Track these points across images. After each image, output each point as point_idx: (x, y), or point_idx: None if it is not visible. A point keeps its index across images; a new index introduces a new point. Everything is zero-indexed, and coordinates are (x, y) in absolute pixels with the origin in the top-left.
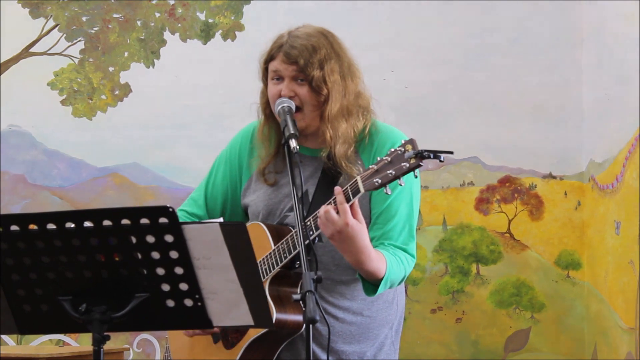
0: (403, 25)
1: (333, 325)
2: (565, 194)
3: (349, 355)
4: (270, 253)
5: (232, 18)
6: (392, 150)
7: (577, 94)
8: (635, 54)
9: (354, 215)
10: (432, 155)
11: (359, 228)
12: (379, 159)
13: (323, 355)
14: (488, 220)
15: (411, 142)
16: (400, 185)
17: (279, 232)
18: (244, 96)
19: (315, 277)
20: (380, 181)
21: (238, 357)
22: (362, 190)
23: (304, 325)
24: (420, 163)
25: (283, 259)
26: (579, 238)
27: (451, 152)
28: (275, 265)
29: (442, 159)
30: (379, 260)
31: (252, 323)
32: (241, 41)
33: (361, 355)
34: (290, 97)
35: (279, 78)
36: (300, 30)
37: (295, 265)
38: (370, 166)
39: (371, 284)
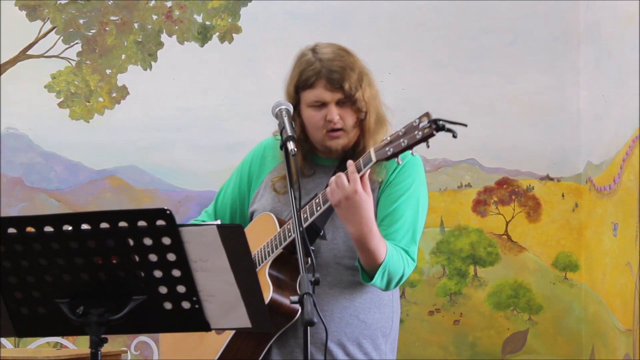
0: (400, 27)
1: (328, 323)
2: (563, 196)
3: (341, 356)
4: (274, 236)
5: (230, 20)
6: (408, 123)
7: (575, 96)
8: (633, 56)
9: (364, 187)
10: (445, 127)
11: (366, 198)
12: (394, 132)
13: (317, 355)
14: (485, 222)
15: (426, 114)
16: (412, 155)
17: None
18: (241, 98)
19: (313, 279)
20: (392, 150)
21: (226, 342)
22: (373, 159)
23: (297, 315)
24: (434, 132)
25: (287, 237)
26: (576, 240)
27: (465, 125)
28: (277, 247)
29: (455, 134)
30: (381, 240)
31: (249, 325)
32: (238, 43)
33: (351, 354)
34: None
35: (322, 104)
36: (326, 51)
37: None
38: (385, 138)
39: (368, 274)
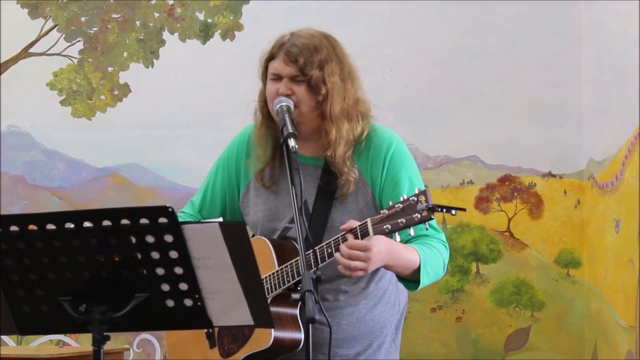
0: (402, 25)
1: (336, 332)
2: (565, 193)
3: (352, 356)
4: (273, 273)
5: (231, 18)
6: (406, 198)
7: (577, 93)
8: (634, 53)
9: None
10: (444, 210)
11: (379, 245)
12: (390, 203)
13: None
14: (488, 219)
15: (424, 193)
16: (410, 235)
17: (283, 248)
18: (243, 96)
19: (315, 276)
20: (390, 227)
21: None
22: (371, 234)
23: (301, 345)
24: (432, 216)
25: (285, 282)
26: (578, 236)
27: (464, 209)
28: (277, 287)
29: (453, 213)
30: (408, 249)
31: (252, 323)
32: (240, 41)
33: (360, 353)
34: (287, 96)
35: (278, 77)
36: (303, 31)
37: (298, 288)
38: (382, 210)
39: (412, 281)
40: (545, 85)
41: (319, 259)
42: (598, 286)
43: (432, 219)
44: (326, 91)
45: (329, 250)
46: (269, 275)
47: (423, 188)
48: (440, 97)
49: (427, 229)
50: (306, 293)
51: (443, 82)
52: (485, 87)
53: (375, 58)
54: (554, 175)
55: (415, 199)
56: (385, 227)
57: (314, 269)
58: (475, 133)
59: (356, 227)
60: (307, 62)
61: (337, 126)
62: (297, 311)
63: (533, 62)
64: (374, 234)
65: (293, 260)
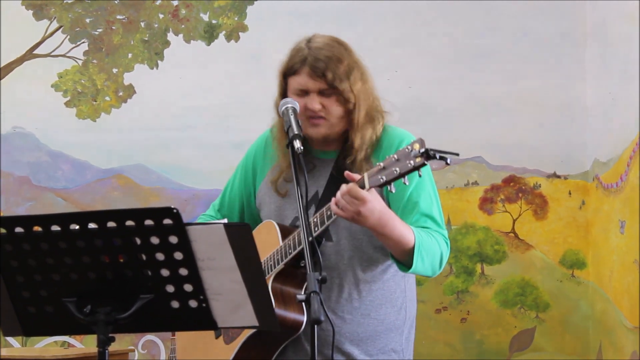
0: (407, 26)
1: (340, 325)
2: (570, 194)
3: (357, 355)
4: (276, 249)
5: (236, 19)
6: (401, 148)
7: (581, 94)
8: (639, 53)
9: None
10: (437, 156)
11: (373, 199)
12: (387, 156)
13: (336, 356)
14: (492, 220)
15: (420, 141)
16: (405, 184)
17: (289, 231)
18: (248, 97)
19: (320, 277)
20: (384, 178)
21: (234, 352)
22: (367, 186)
23: (303, 327)
24: (425, 162)
25: (288, 254)
26: (583, 237)
27: (457, 154)
28: (279, 262)
29: (448, 161)
30: (404, 225)
31: (257, 324)
32: (245, 42)
33: (369, 356)
34: (318, 110)
35: (305, 92)
36: (318, 40)
37: (301, 264)
38: (378, 163)
39: (405, 263)
40: (549, 86)
41: (318, 223)
42: (603, 287)
43: (426, 164)
44: (355, 100)
45: (328, 213)
46: (273, 253)
47: (433, 186)
48: (445, 97)
49: (420, 176)
50: (311, 294)
51: (448, 82)
52: (489, 88)
53: (379, 59)
54: (558, 176)
55: (410, 147)
56: (380, 177)
57: (312, 237)
58: (480, 134)
59: (353, 183)
60: (335, 76)
61: (362, 134)
62: (301, 291)
63: (538, 62)
64: (370, 186)
65: (295, 232)
